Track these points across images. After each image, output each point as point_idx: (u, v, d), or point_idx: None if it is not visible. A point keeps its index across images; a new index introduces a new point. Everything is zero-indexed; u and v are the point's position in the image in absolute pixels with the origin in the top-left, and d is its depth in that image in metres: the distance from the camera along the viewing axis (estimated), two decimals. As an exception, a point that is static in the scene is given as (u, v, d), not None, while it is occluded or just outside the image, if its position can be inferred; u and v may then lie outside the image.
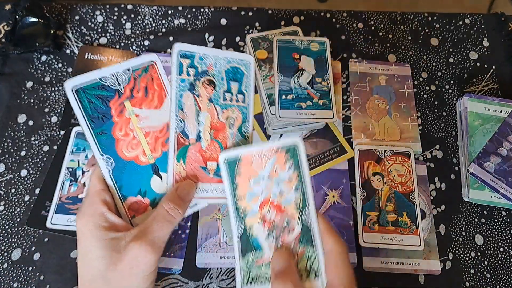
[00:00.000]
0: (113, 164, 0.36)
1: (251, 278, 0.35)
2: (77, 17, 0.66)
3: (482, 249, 0.54)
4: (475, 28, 0.69)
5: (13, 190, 0.54)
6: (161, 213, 0.33)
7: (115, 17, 0.66)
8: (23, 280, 0.50)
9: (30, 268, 0.50)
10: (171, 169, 0.36)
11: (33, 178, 0.55)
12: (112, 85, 0.35)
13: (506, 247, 0.54)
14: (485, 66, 0.66)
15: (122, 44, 0.64)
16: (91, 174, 0.36)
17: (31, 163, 0.56)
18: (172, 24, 0.66)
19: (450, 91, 0.64)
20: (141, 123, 0.36)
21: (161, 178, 0.37)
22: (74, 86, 0.34)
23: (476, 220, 0.56)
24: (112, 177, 0.35)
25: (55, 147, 0.57)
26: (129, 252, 0.31)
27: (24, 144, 0.57)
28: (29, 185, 0.54)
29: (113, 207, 0.35)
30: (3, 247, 0.51)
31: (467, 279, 0.52)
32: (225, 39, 0.65)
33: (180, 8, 0.67)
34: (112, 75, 0.35)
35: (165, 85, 0.38)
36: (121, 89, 0.35)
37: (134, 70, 0.36)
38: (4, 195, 0.54)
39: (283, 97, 0.53)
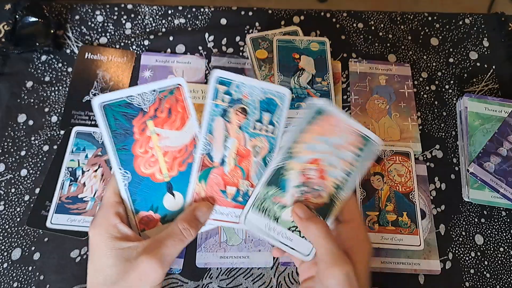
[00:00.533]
0: (130, 179, 0.37)
1: (262, 208, 0.38)
2: (77, 17, 0.66)
3: (482, 249, 0.54)
4: (475, 28, 0.69)
5: (13, 190, 0.54)
6: (175, 231, 0.34)
7: (115, 17, 0.66)
8: (23, 280, 0.50)
9: (30, 268, 0.50)
10: (192, 188, 0.38)
11: (33, 178, 0.55)
12: (137, 104, 0.37)
13: (506, 247, 0.54)
14: (485, 66, 0.66)
15: (122, 44, 0.64)
16: (107, 186, 0.37)
17: (31, 163, 0.56)
18: (172, 24, 0.66)
19: (450, 91, 0.64)
20: (161, 142, 0.38)
21: (174, 196, 0.38)
22: (101, 103, 0.36)
23: (476, 220, 0.56)
24: (127, 191, 0.37)
25: (55, 146, 0.57)
26: (140, 263, 0.32)
27: (24, 144, 0.57)
28: (29, 185, 0.54)
29: (125, 220, 0.36)
30: (3, 247, 0.51)
31: (467, 279, 0.52)
32: (225, 39, 0.65)
33: (180, 8, 0.67)
34: (139, 94, 0.37)
35: (189, 108, 0.39)
36: (145, 108, 0.37)
37: (160, 91, 0.37)
38: (4, 195, 0.54)
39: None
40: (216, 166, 0.39)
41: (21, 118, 0.58)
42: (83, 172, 0.54)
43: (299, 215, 0.37)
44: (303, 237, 0.38)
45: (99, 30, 0.65)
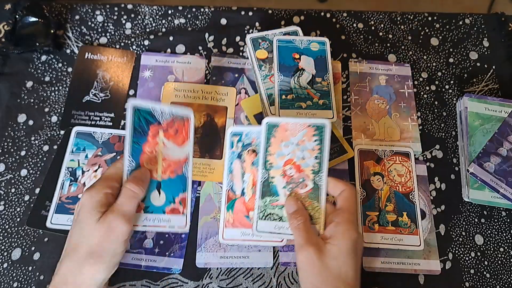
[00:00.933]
0: (133, 167, 0.44)
1: (266, 215, 0.46)
2: (77, 17, 0.66)
3: (482, 249, 0.54)
4: (475, 28, 0.69)
5: (13, 190, 0.54)
6: (127, 192, 0.41)
7: (115, 17, 0.66)
8: (23, 280, 0.50)
9: (30, 268, 0.50)
10: (222, 217, 0.48)
11: (33, 178, 0.55)
12: (157, 116, 0.46)
13: (506, 247, 0.54)
14: (485, 66, 0.66)
15: (122, 44, 0.64)
16: (112, 164, 0.44)
17: (31, 163, 0.56)
18: (172, 24, 0.66)
19: (450, 91, 0.64)
20: (164, 150, 0.47)
21: (159, 194, 0.46)
22: (134, 105, 0.45)
23: (476, 220, 0.56)
24: (128, 175, 0.44)
25: (55, 147, 0.57)
26: (108, 221, 0.38)
27: (24, 144, 0.57)
28: (29, 185, 0.54)
29: (116, 194, 0.41)
30: (3, 247, 0.51)
31: (467, 279, 0.53)
32: (225, 39, 0.65)
33: (180, 8, 0.67)
34: (161, 110, 0.46)
35: (190, 134, 0.48)
36: (162, 121, 0.47)
37: (176, 115, 0.47)
38: (4, 195, 0.54)
39: (283, 97, 0.53)
40: (238, 197, 0.48)
41: (21, 118, 0.58)
42: (83, 172, 0.54)
43: (287, 210, 0.44)
44: None
45: (99, 30, 0.65)
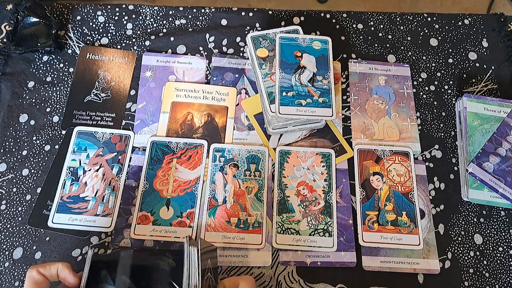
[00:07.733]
0: (147, 188, 0.54)
1: (284, 230, 0.53)
2: (78, 17, 0.66)
3: (481, 248, 0.54)
4: (474, 29, 0.70)
5: (14, 189, 0.54)
6: None
7: (116, 18, 0.67)
8: (24, 278, 0.50)
9: (31, 267, 0.50)
10: (204, 222, 0.53)
11: (35, 177, 0.55)
12: (173, 147, 0.56)
13: (505, 247, 0.55)
14: (484, 66, 0.66)
15: (123, 44, 0.64)
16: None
17: (32, 163, 0.56)
18: (173, 24, 0.67)
19: (449, 91, 0.64)
20: (176, 173, 0.55)
21: (168, 209, 0.53)
22: (153, 140, 0.56)
23: (475, 219, 0.56)
24: (141, 195, 0.53)
25: (57, 146, 0.57)
26: None
27: (25, 144, 0.57)
28: (30, 184, 0.55)
29: None
30: (4, 246, 0.51)
31: (466, 278, 0.53)
32: (225, 39, 0.66)
33: (181, 8, 0.68)
34: (175, 142, 0.56)
35: (202, 159, 0.56)
36: (176, 151, 0.56)
37: (190, 144, 0.56)
38: (6, 194, 0.54)
39: (284, 93, 0.54)
40: (220, 205, 0.53)
41: (23, 118, 0.59)
42: (84, 172, 0.54)
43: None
44: (322, 235, 0.52)
45: (101, 30, 0.65)
